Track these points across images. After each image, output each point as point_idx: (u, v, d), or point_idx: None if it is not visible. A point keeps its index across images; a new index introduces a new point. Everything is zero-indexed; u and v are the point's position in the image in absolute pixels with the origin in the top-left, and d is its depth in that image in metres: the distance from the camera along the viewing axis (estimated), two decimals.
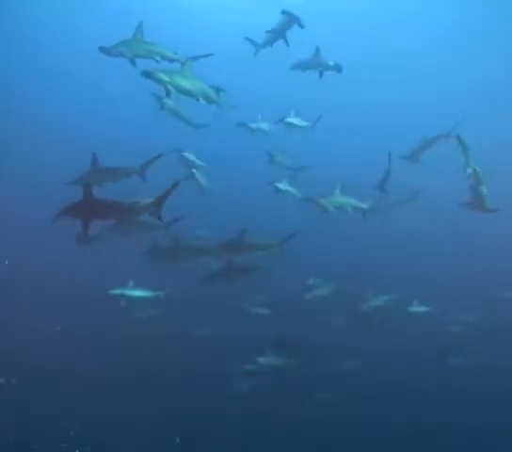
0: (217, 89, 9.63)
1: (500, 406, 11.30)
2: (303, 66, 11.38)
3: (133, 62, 8.73)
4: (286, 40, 11.01)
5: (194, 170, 12.55)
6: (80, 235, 10.37)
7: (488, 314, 13.91)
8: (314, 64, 11.24)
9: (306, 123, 12.46)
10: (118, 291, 10.59)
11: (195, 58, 8.80)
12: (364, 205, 10.62)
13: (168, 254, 10.01)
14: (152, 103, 10.76)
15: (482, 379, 12.05)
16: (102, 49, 8.67)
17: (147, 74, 7.92)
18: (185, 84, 8.38)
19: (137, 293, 10.76)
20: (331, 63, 11.11)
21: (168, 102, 10.70)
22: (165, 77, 8.06)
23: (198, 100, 8.65)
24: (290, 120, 12.29)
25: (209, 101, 8.94)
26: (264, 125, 12.72)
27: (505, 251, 16.21)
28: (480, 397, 11.67)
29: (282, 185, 12.52)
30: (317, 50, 11.27)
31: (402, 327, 13.45)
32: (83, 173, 8.68)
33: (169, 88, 8.13)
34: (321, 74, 11.22)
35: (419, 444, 10.84)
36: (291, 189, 12.62)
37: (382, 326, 13.47)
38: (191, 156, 12.57)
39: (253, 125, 12.53)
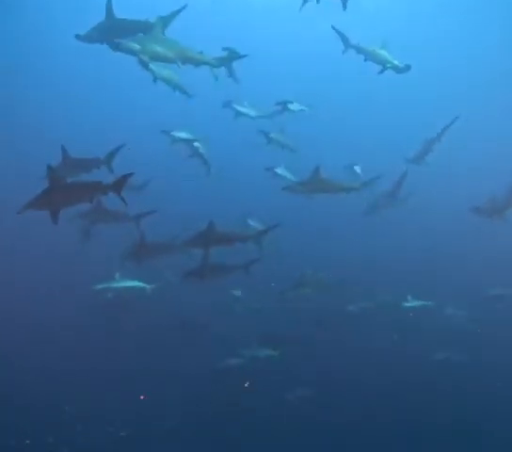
0: (231, 51, 9.11)
1: (489, 402, 11.39)
2: (367, 56, 10.41)
3: (111, 45, 7.92)
4: (345, 2, 9.06)
5: (196, 144, 11.47)
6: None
7: (477, 311, 14.00)
8: (380, 60, 10.37)
9: (303, 108, 12.01)
10: (104, 285, 10.60)
11: (166, 19, 7.91)
12: (352, 185, 9.55)
13: (137, 252, 9.57)
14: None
15: (471, 376, 12.11)
16: (77, 37, 8.09)
17: (115, 47, 7.43)
18: (160, 49, 7.67)
19: (124, 284, 10.78)
20: (401, 65, 10.38)
21: (161, 71, 9.37)
22: (135, 46, 7.38)
23: (178, 65, 8.05)
24: (291, 106, 11.73)
25: (194, 63, 8.29)
26: (251, 111, 12.10)
27: (496, 250, 16.20)
28: (469, 393, 11.75)
29: (281, 170, 11.97)
30: (384, 43, 10.44)
31: (392, 324, 13.58)
32: (55, 166, 8.48)
33: (143, 57, 7.48)
34: (382, 71, 10.45)
35: (408, 441, 10.87)
36: (289, 175, 11.94)
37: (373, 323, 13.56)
38: (182, 134, 11.42)
39: (238, 107, 11.88)
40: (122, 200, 6.77)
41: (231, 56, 9.23)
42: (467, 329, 13.71)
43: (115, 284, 10.78)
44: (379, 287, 14.18)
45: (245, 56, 9.22)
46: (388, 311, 13.54)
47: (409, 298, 13.20)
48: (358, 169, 12.99)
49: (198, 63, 8.47)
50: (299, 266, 13.18)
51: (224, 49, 9.85)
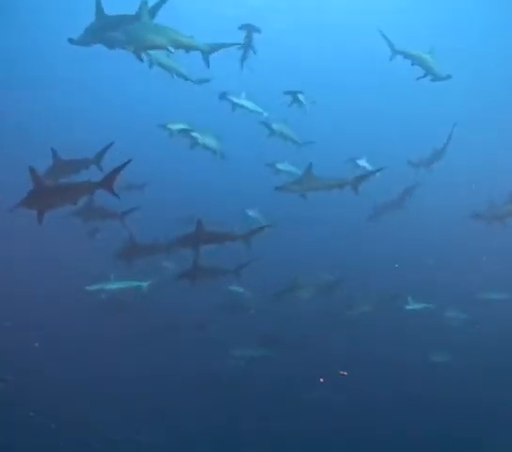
0: (249, 30, 8.90)
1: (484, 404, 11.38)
2: (414, 60, 10.03)
3: (108, 46, 7.62)
4: None
5: (194, 134, 10.38)
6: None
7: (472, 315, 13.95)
8: (426, 66, 10.05)
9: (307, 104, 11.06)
10: (97, 286, 10.45)
11: (155, 5, 7.38)
12: (346, 180, 8.91)
13: (127, 252, 9.52)
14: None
15: (465, 377, 12.10)
16: (71, 41, 7.75)
17: (100, 40, 7.16)
18: (148, 36, 7.23)
19: (117, 285, 10.59)
20: (442, 74, 10.19)
21: (158, 57, 8.91)
22: (120, 36, 7.04)
23: (170, 51, 7.69)
24: (301, 97, 10.83)
25: (184, 49, 7.90)
26: (250, 104, 11.24)
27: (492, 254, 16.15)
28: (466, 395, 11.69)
29: (283, 166, 11.29)
30: (432, 50, 10.17)
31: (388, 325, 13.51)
32: (47, 169, 8.14)
33: (130, 47, 7.09)
34: (423, 77, 10.18)
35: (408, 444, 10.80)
36: (293, 170, 11.16)
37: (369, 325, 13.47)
38: (178, 126, 10.49)
39: (235, 99, 10.97)
40: (116, 196, 6.52)
41: (222, 43, 8.59)
42: (464, 331, 13.64)
43: (109, 286, 10.58)
44: (376, 290, 14.06)
45: (238, 44, 8.98)
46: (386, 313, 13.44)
47: (410, 300, 13.05)
48: (362, 162, 12.33)
49: (188, 49, 8.09)
50: (296, 267, 13.15)
51: (242, 27, 9.52)
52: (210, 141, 10.55)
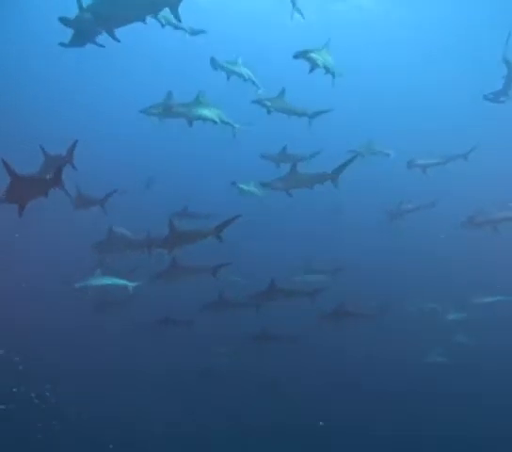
0: None
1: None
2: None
3: (95, 42, 7.16)
4: None
5: (182, 109, 8.78)
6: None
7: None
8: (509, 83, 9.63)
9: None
10: (83, 283, 10.25)
11: None
12: (325, 175, 8.64)
13: (104, 246, 9.64)
14: None
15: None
16: (63, 45, 7.32)
17: (66, 23, 6.71)
18: (112, 11, 6.69)
19: (104, 281, 10.44)
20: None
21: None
22: (90, 20, 6.60)
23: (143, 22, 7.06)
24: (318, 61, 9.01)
25: (151, 12, 7.21)
26: (243, 70, 10.03)
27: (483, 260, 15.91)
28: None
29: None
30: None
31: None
32: (41, 166, 7.94)
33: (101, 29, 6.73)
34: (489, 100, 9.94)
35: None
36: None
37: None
38: (155, 110, 8.88)
39: (225, 64, 9.68)
40: (66, 193, 6.53)
41: None
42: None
43: (95, 282, 10.49)
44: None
45: None
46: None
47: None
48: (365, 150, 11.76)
49: (156, 9, 7.29)
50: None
51: None
52: (206, 112, 9.03)
